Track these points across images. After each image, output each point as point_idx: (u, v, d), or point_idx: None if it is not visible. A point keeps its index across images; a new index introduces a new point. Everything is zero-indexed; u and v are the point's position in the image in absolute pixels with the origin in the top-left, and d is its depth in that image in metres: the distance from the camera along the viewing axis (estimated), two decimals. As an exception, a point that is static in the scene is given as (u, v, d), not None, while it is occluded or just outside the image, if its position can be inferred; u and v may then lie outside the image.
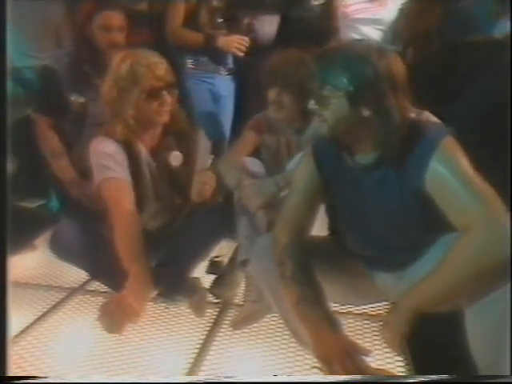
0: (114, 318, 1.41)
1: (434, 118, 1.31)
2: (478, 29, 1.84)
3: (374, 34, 2.25)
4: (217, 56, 2.34)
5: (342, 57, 1.06)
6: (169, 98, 1.53)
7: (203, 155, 1.66)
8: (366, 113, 1.06)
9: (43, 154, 2.06)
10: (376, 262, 1.26)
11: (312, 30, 2.42)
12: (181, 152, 1.62)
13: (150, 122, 1.56)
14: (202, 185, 1.55)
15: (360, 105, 1.06)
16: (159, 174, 1.61)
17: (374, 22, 2.26)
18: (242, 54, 2.26)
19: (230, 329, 1.54)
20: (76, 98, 1.97)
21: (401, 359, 1.35)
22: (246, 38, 2.26)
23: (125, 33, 2.01)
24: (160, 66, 1.51)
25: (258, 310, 1.53)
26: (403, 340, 1.09)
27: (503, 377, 0.95)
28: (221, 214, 1.61)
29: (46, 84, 2.02)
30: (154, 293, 1.51)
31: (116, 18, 1.99)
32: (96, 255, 1.55)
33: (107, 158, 1.53)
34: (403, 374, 1.29)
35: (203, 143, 1.68)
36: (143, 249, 1.48)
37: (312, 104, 1.12)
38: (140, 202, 1.58)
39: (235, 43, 2.23)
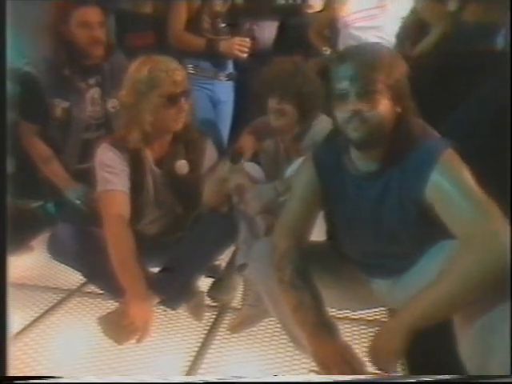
0: (116, 335, 1.40)
1: (430, 130, 1.32)
2: (478, 39, 1.87)
3: (373, 42, 2.27)
4: (217, 61, 2.34)
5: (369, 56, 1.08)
6: (186, 105, 1.52)
7: (210, 164, 1.64)
8: (398, 109, 1.10)
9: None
10: (372, 268, 1.27)
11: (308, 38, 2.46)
12: (188, 160, 1.60)
13: (165, 128, 1.55)
14: (216, 190, 1.53)
15: (395, 103, 1.09)
16: (163, 181, 1.60)
17: (373, 29, 2.28)
18: (244, 56, 2.26)
19: (228, 332, 1.55)
20: (59, 104, 1.92)
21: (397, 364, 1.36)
22: (248, 39, 2.26)
23: (105, 29, 1.95)
24: (178, 72, 1.50)
25: (256, 314, 1.53)
26: (395, 357, 1.08)
27: (503, 377, 0.95)
28: (225, 222, 1.59)
29: (27, 90, 1.94)
30: (156, 301, 1.50)
31: (95, 14, 1.91)
32: (93, 258, 1.54)
33: (108, 169, 1.52)
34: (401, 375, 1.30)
35: (211, 152, 1.67)
36: (139, 264, 1.46)
37: (354, 103, 1.08)
38: (140, 209, 1.58)
39: (237, 46, 2.24)
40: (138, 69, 1.50)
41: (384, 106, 1.07)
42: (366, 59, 1.08)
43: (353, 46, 1.17)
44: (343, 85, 1.09)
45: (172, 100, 1.49)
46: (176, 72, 1.50)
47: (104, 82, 1.97)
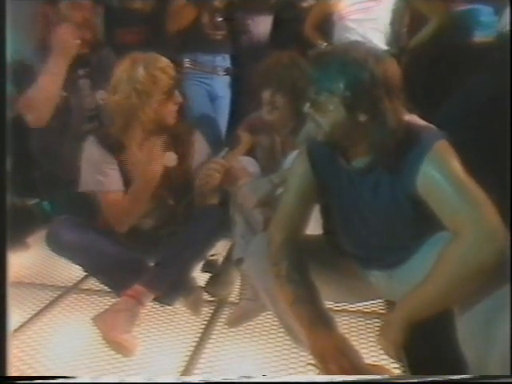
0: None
1: (423, 122, 1.31)
2: (471, 31, 1.87)
3: (370, 34, 2.26)
4: (215, 56, 2.34)
5: (337, 61, 1.05)
6: (180, 98, 1.53)
7: (200, 157, 1.64)
8: (362, 118, 1.06)
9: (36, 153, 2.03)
10: (369, 261, 1.27)
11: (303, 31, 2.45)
12: (176, 153, 1.58)
13: (163, 124, 1.55)
14: (212, 171, 1.53)
15: (356, 110, 1.05)
16: None
17: (369, 22, 2.27)
18: None
19: (226, 327, 1.55)
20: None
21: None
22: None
23: (94, 12, 1.96)
24: (170, 65, 1.52)
25: (254, 308, 1.53)
26: (400, 348, 1.09)
27: (503, 377, 0.94)
28: (218, 215, 1.59)
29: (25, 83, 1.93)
30: (151, 298, 1.51)
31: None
32: (95, 252, 1.54)
33: (97, 167, 1.52)
34: (401, 374, 1.29)
35: (200, 145, 1.67)
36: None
37: (308, 107, 1.11)
38: None
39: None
40: (130, 69, 1.48)
41: (336, 115, 1.06)
42: (321, 67, 1.07)
43: (329, 48, 1.16)
44: (304, 86, 1.11)
45: (170, 95, 1.50)
46: (169, 66, 1.51)
47: (93, 73, 1.97)
